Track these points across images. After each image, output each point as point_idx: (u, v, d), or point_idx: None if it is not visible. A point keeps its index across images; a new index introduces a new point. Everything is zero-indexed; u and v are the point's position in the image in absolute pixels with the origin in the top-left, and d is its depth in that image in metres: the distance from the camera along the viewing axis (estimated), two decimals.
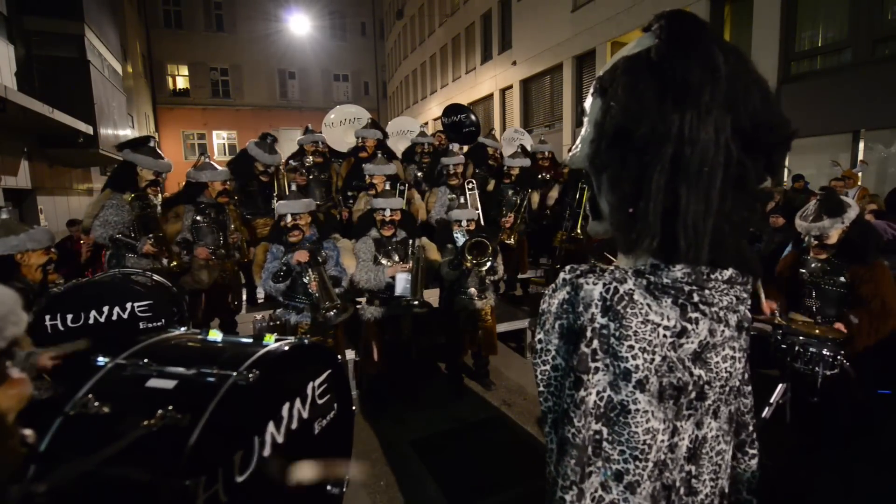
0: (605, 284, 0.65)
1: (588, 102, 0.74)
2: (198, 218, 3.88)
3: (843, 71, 7.06)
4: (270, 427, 1.66)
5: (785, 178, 6.83)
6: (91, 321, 2.50)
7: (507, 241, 4.98)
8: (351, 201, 4.98)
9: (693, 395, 0.68)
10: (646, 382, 0.64)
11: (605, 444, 0.66)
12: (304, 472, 1.50)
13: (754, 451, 0.81)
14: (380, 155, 4.61)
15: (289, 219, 3.27)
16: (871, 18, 6.73)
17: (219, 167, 4.03)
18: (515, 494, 2.67)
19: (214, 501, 1.41)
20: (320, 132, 5.52)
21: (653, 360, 0.64)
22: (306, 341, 1.95)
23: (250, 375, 1.53)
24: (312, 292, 3.23)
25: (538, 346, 0.70)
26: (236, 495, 1.49)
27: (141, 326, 2.63)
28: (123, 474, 1.33)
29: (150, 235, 3.49)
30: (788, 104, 7.38)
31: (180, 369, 1.60)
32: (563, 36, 12.84)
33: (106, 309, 2.56)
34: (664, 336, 0.65)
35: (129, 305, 2.62)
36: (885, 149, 7.01)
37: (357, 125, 5.88)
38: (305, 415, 1.86)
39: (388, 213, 3.59)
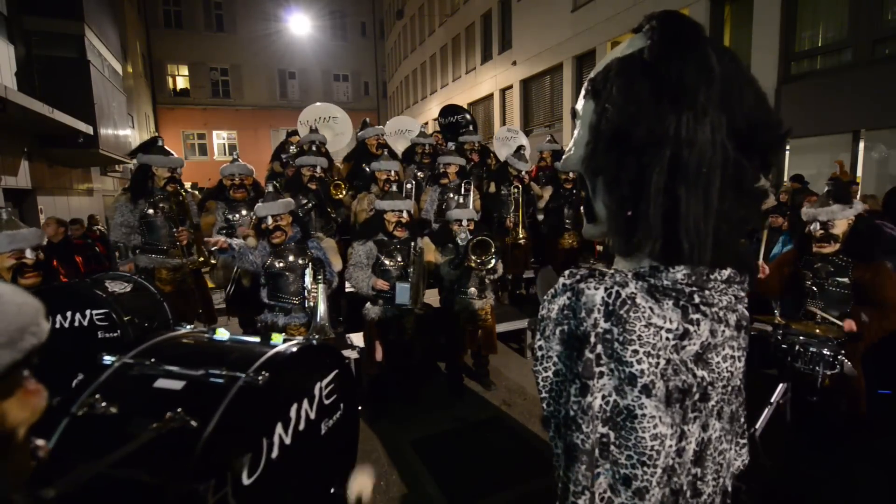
0: (606, 289, 0.64)
1: (580, 104, 0.73)
2: (229, 216, 3.97)
3: (843, 71, 7.05)
4: (279, 428, 1.65)
5: (785, 179, 6.84)
6: (57, 325, 2.39)
7: (519, 241, 5.03)
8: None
9: (697, 396, 0.68)
10: (652, 387, 0.63)
11: (612, 447, 0.65)
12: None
13: (744, 441, 0.81)
14: (385, 153, 4.74)
15: (269, 220, 3.12)
16: (871, 18, 6.72)
17: (243, 163, 4.17)
18: (515, 494, 2.68)
19: None
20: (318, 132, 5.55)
21: (657, 363, 0.64)
22: (314, 342, 1.94)
23: (259, 378, 1.51)
24: (307, 301, 3.12)
25: (539, 353, 0.69)
26: (244, 498, 1.48)
27: (99, 336, 2.44)
28: (132, 477, 1.31)
29: (183, 227, 3.62)
30: (788, 104, 7.38)
31: (189, 370, 1.59)
32: (563, 36, 12.84)
33: (69, 314, 2.42)
34: (667, 339, 0.64)
35: (88, 312, 2.46)
36: (885, 149, 7.01)
37: (333, 123, 6.09)
38: (313, 415, 1.85)
39: (405, 214, 3.54)
